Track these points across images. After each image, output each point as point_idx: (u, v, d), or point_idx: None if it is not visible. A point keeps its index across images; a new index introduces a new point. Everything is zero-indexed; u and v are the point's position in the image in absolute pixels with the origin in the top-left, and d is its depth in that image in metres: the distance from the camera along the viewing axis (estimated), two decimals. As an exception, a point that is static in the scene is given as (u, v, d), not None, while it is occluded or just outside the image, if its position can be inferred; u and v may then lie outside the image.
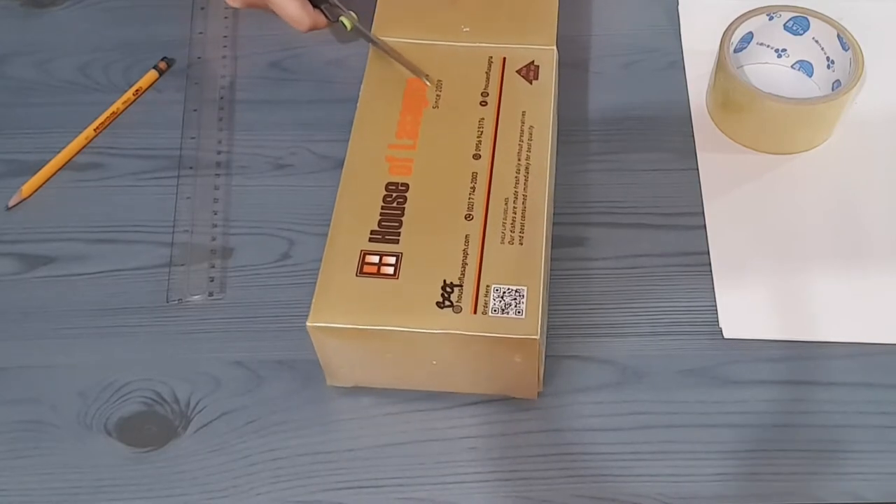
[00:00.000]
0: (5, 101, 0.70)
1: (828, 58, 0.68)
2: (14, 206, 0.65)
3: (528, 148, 0.58)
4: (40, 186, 0.66)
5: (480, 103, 0.60)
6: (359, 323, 0.51)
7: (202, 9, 0.75)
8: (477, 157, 0.57)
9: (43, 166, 0.66)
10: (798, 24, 0.68)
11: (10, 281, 0.62)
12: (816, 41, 0.68)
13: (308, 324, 0.52)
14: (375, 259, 0.53)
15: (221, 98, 0.70)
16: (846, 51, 0.66)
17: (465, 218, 0.55)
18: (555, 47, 0.62)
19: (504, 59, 0.62)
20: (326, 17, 0.64)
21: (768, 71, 0.71)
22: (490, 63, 0.62)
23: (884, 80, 0.70)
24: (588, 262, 0.62)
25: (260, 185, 0.66)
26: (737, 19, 0.67)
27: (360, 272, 0.53)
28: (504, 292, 0.52)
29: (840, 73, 0.67)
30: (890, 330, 0.59)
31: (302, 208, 0.64)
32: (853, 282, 0.61)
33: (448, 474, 0.55)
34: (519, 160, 0.57)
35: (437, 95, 0.60)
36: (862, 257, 0.62)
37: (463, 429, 0.56)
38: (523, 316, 0.51)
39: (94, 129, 0.68)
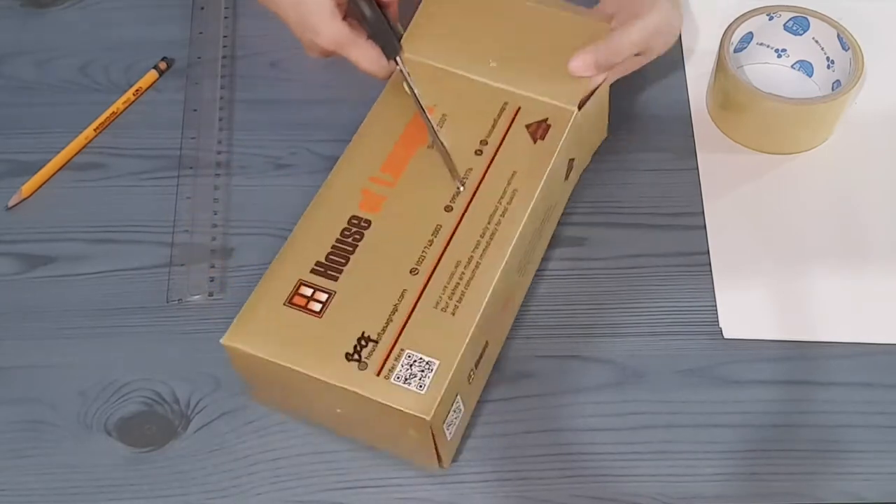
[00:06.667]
0: (5, 101, 0.70)
1: (828, 58, 0.68)
2: (14, 206, 0.65)
3: (504, 213, 0.54)
4: (40, 186, 0.66)
5: (475, 151, 0.57)
6: (267, 355, 0.50)
7: (202, 9, 0.75)
8: (449, 209, 0.54)
9: (43, 166, 0.66)
10: (798, 24, 0.68)
11: (10, 281, 0.62)
12: (816, 41, 0.68)
13: (222, 341, 0.51)
14: (308, 292, 0.52)
15: (221, 98, 0.70)
16: (846, 51, 0.66)
17: (411, 272, 0.52)
18: (576, 108, 0.58)
19: (518, 108, 0.58)
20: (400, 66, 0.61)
21: (768, 71, 0.71)
22: (503, 109, 0.58)
23: (884, 80, 0.70)
24: (588, 262, 0.62)
25: (260, 185, 0.66)
26: (737, 19, 0.67)
27: (289, 302, 0.52)
28: (415, 361, 0.49)
29: (840, 73, 0.67)
30: (890, 330, 0.59)
31: (302, 208, 0.64)
32: (853, 282, 0.61)
33: (448, 474, 0.55)
34: (488, 223, 0.54)
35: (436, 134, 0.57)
36: (862, 257, 0.62)
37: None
38: (423, 391, 0.48)
39: (94, 129, 0.68)
